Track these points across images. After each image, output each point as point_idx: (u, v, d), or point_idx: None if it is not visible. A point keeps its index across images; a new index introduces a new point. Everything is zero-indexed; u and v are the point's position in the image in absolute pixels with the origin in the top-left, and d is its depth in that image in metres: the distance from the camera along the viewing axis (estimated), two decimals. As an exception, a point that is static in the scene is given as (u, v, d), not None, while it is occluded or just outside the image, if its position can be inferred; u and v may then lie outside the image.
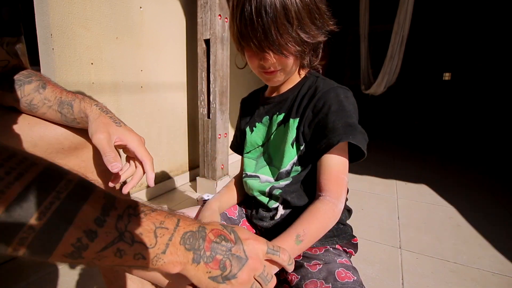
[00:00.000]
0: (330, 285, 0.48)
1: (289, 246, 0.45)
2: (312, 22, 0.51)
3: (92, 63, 1.42)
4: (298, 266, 0.55)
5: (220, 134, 1.89)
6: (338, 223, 0.63)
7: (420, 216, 1.67)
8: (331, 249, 0.59)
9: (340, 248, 0.61)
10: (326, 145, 0.51)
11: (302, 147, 0.58)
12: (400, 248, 1.35)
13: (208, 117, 1.89)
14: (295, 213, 0.62)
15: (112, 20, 1.49)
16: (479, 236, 1.45)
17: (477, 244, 1.38)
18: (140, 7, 1.63)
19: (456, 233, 1.48)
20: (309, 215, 0.50)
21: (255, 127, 0.68)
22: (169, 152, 1.99)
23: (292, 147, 0.59)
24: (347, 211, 0.66)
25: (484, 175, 2.45)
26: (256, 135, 0.68)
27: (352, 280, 0.50)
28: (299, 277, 0.52)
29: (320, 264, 0.53)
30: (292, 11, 0.47)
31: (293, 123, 0.58)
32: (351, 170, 2.36)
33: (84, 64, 1.39)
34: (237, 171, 0.78)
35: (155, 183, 1.89)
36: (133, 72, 1.64)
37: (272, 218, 0.62)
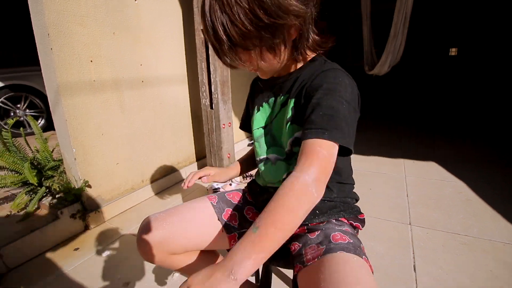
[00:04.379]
0: (324, 246, 0.50)
1: (248, 238, 0.41)
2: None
3: (91, 61, 1.43)
4: (300, 236, 0.58)
5: (224, 124, 1.89)
6: (346, 197, 0.64)
7: (429, 192, 1.66)
8: (334, 220, 0.60)
9: (345, 221, 0.62)
10: (302, 137, 0.49)
11: (298, 127, 0.58)
12: (410, 224, 1.35)
13: (211, 107, 1.89)
14: None
15: (108, 16, 1.48)
16: (489, 208, 1.45)
17: (487, 217, 1.38)
18: (135, 1, 1.62)
19: (466, 207, 1.48)
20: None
21: (262, 106, 0.67)
22: (175, 144, 2.01)
23: (287, 127, 0.59)
24: (355, 199, 0.67)
25: (493, 148, 2.41)
26: (260, 116, 0.68)
27: (346, 242, 0.51)
28: (301, 245, 0.55)
29: (320, 231, 0.56)
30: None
31: (290, 103, 0.58)
32: (357, 152, 2.33)
33: (83, 62, 1.40)
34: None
35: (164, 175, 1.92)
36: (132, 67, 1.65)
37: None
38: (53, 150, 1.60)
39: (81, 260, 1.21)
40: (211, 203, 0.68)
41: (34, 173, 1.36)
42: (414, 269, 1.06)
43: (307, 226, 0.60)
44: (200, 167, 2.22)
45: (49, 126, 4.07)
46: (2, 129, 1.44)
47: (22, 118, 3.86)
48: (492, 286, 0.95)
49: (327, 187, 0.62)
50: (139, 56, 1.68)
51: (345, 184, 0.65)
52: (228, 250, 0.68)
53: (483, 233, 1.25)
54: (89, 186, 1.44)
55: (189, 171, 2.14)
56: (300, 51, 0.55)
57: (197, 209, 0.67)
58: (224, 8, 0.45)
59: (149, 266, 1.15)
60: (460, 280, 0.99)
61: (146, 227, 0.61)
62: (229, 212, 0.68)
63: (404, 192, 1.68)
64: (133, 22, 1.62)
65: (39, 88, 3.84)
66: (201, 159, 2.25)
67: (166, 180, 1.92)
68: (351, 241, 0.52)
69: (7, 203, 1.63)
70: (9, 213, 1.45)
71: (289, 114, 0.58)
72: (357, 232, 0.63)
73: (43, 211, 1.44)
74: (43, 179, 1.44)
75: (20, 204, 1.43)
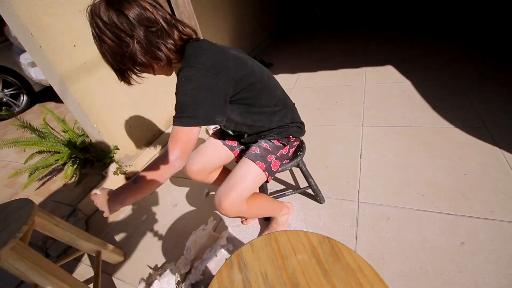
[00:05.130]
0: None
1: (130, 187, 0.71)
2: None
3: (74, 45, 1.58)
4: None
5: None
6: (283, 124, 0.98)
7: (381, 96, 2.07)
8: (266, 140, 1.00)
9: (275, 141, 0.99)
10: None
11: None
12: (362, 126, 1.81)
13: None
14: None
15: (71, -5, 1.53)
16: (423, 101, 1.88)
17: (419, 109, 1.83)
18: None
19: (406, 103, 1.91)
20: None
21: None
22: (170, 95, 2.29)
23: None
24: (294, 122, 1.02)
25: (444, 45, 2.69)
26: None
27: (254, 152, 0.94)
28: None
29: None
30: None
31: None
32: (327, 67, 2.65)
33: (68, 49, 1.55)
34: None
35: (169, 125, 2.29)
36: (111, 39, 1.77)
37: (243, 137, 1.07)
38: (73, 128, 1.92)
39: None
40: (217, 136, 1.11)
41: (71, 149, 1.73)
42: (360, 156, 1.57)
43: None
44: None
45: (32, 101, 4.10)
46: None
47: (5, 99, 3.87)
48: (410, 159, 1.47)
49: (264, 125, 0.95)
50: (111, 26, 1.77)
51: (277, 112, 0.94)
52: (236, 162, 1.12)
53: (413, 122, 1.72)
54: (118, 149, 1.83)
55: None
56: (166, 61, 0.75)
57: (212, 143, 1.10)
58: (105, 59, 0.73)
59: (186, 192, 1.66)
60: (389, 158, 1.50)
61: (189, 162, 1.06)
62: (229, 138, 1.11)
63: (361, 100, 2.09)
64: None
65: (7, 66, 3.70)
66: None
67: (171, 129, 2.30)
68: (258, 152, 0.94)
69: (55, 176, 2.06)
70: (65, 182, 1.90)
71: None
72: (286, 146, 1.02)
73: (90, 176, 1.89)
74: (80, 152, 1.82)
75: (70, 174, 1.85)
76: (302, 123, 1.09)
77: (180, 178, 1.78)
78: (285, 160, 1.05)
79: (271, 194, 1.39)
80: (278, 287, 0.47)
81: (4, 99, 3.86)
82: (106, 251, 1.26)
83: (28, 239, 0.96)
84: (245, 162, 0.93)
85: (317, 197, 1.34)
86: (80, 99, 1.61)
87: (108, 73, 1.77)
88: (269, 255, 0.54)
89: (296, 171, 1.60)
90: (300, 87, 2.53)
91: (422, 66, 2.32)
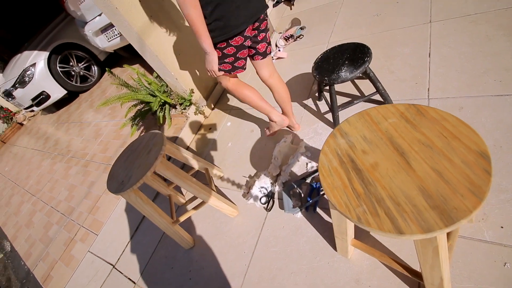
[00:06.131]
0: None
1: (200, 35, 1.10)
2: None
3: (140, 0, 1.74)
4: None
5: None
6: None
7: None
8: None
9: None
10: None
11: None
12: (430, 22, 1.69)
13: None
14: None
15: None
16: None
17: (502, -14, 1.59)
18: None
19: (485, -16, 1.67)
20: None
21: None
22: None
23: None
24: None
25: None
26: None
27: None
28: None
29: None
30: None
31: None
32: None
33: (137, 5, 1.72)
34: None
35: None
36: (164, -12, 1.88)
37: None
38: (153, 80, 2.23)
39: (219, 131, 2.05)
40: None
41: (160, 96, 2.07)
42: (429, 55, 1.53)
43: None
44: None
45: (102, 70, 4.61)
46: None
47: (81, 73, 4.43)
48: (486, 47, 1.38)
49: None
50: (162, -26, 1.86)
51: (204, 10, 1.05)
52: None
53: (492, 4, 1.53)
54: (193, 92, 2.11)
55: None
56: None
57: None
58: None
59: (258, 118, 1.90)
60: (462, 51, 1.44)
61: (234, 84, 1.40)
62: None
63: (428, -7, 1.87)
64: None
65: (74, 41, 4.12)
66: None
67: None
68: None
69: (149, 124, 2.50)
70: (159, 126, 2.31)
71: None
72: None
73: (176, 118, 2.25)
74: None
75: (161, 118, 2.23)
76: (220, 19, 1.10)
77: (250, 109, 2.00)
78: (228, 59, 1.27)
79: (338, 107, 1.51)
80: (376, 141, 0.65)
81: (81, 72, 4.44)
82: (211, 168, 1.62)
83: (165, 158, 1.31)
84: None
85: (385, 101, 1.42)
86: (157, 51, 1.85)
87: (171, 24, 1.93)
88: (364, 124, 0.71)
89: (359, 82, 1.66)
90: (351, -4, 2.34)
91: None
